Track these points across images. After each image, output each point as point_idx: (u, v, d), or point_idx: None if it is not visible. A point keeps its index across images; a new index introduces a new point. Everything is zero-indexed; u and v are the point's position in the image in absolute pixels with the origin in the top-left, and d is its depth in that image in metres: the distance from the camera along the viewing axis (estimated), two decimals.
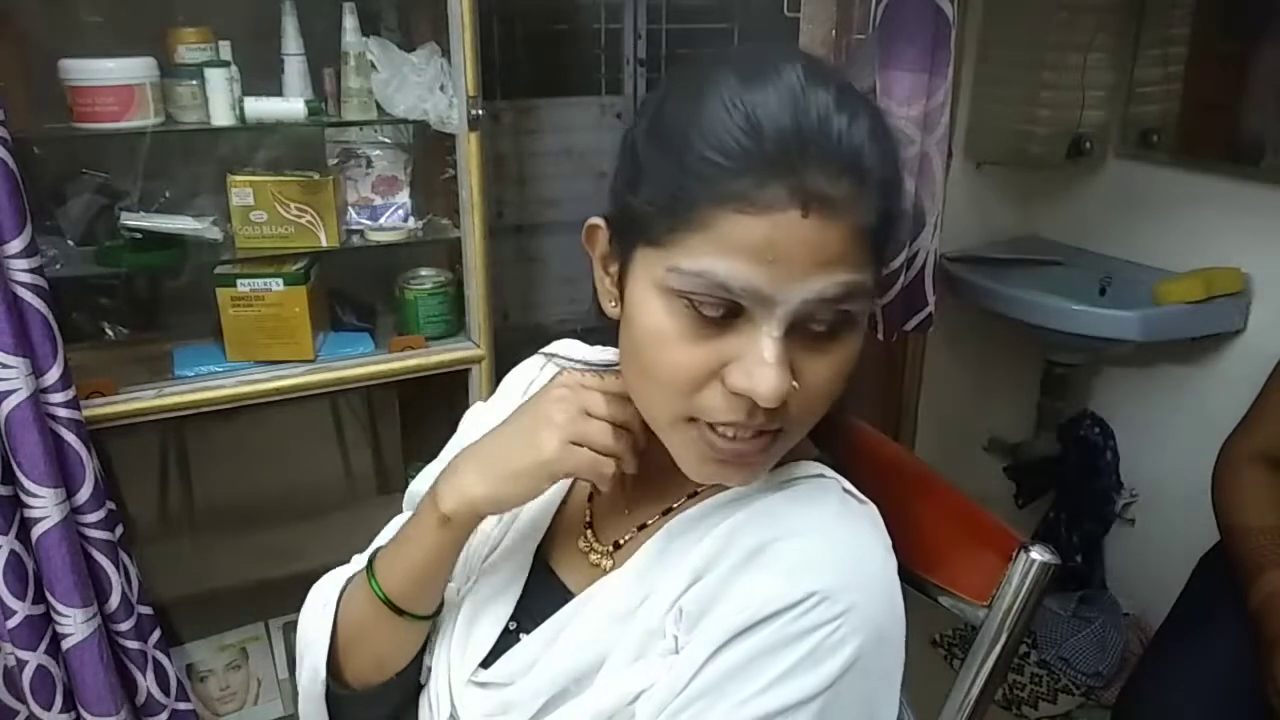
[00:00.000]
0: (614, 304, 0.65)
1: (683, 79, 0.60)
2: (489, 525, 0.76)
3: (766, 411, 0.57)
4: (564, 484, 0.75)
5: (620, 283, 0.63)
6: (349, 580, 0.78)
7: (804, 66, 0.56)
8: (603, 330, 0.77)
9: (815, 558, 0.60)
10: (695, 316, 0.56)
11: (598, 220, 0.65)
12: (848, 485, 0.67)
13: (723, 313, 0.56)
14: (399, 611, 0.72)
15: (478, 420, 0.84)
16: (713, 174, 0.54)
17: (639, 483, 0.73)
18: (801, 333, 0.57)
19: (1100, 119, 2.02)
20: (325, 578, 0.82)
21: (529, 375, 0.84)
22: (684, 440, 0.61)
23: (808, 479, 0.66)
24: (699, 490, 0.70)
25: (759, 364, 0.55)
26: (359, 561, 0.83)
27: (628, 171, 0.61)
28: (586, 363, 0.79)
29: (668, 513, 0.70)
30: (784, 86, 0.55)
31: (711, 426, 0.59)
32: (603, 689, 0.65)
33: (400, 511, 0.86)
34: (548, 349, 0.85)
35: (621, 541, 0.72)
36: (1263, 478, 1.38)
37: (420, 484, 0.84)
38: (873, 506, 0.67)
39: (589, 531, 0.74)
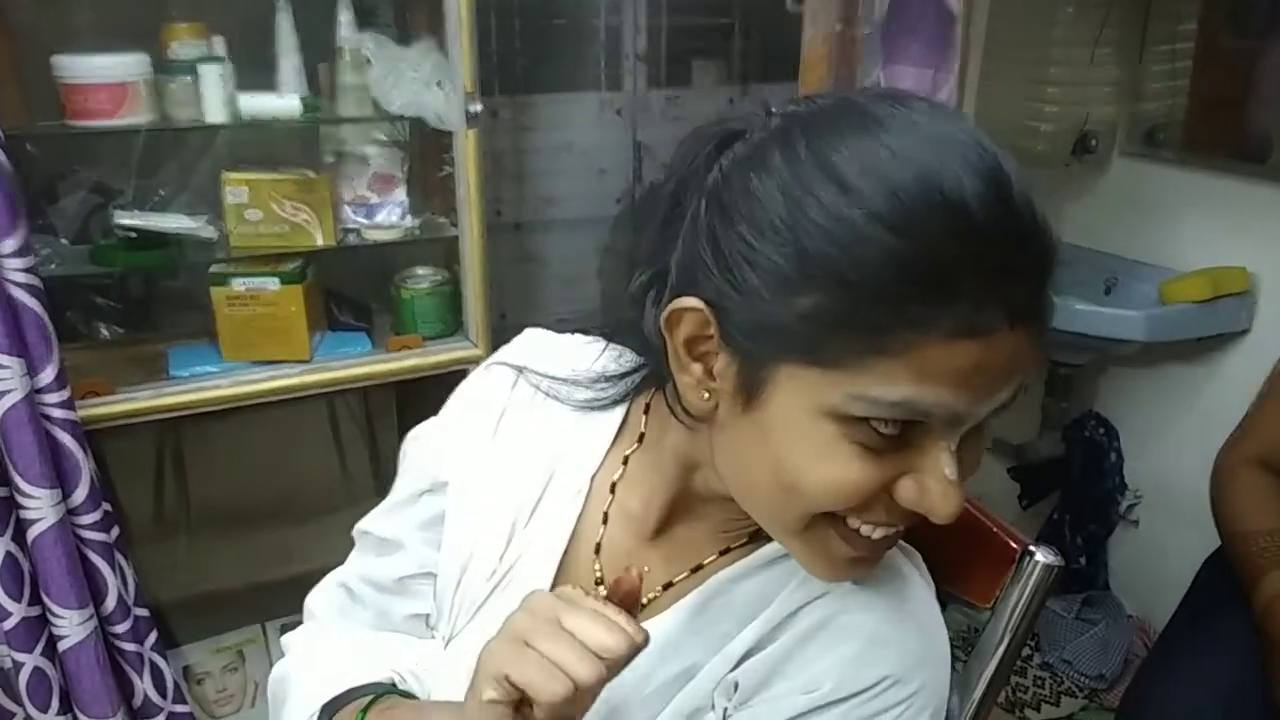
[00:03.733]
0: (707, 397, 0.55)
1: (835, 138, 0.49)
2: (485, 573, 0.69)
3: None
4: (564, 536, 0.68)
5: (744, 386, 0.53)
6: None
7: (981, 133, 0.49)
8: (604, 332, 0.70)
9: (884, 637, 0.59)
10: (870, 435, 0.50)
11: (695, 303, 0.52)
12: None
13: (900, 430, 0.50)
14: None
15: (425, 444, 0.76)
16: (923, 297, 0.46)
17: (662, 538, 0.68)
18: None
19: (1106, 116, 2.00)
20: (284, 668, 0.77)
21: (499, 396, 0.72)
22: (817, 543, 0.56)
23: None
24: (732, 546, 0.66)
25: (942, 483, 0.51)
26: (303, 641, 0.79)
27: (767, 262, 0.49)
28: (567, 379, 0.71)
29: (698, 570, 0.66)
30: (988, 173, 0.47)
31: (852, 530, 0.55)
32: None
33: None
34: (512, 358, 0.74)
35: (645, 601, 0.66)
36: (1260, 482, 1.37)
37: (369, 523, 0.78)
38: (916, 554, 0.65)
39: (600, 588, 0.68)
